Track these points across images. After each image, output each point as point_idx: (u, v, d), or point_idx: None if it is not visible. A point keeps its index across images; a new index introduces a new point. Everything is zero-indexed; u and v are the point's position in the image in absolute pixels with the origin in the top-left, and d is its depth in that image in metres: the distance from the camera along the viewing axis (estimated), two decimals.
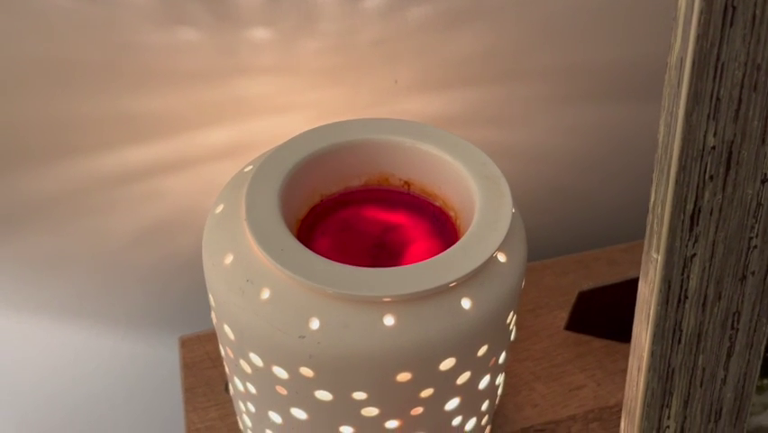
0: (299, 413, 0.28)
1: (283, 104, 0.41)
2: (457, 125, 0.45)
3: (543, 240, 0.51)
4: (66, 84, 0.37)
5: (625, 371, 0.42)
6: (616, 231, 0.54)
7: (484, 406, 0.31)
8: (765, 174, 0.25)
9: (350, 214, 0.32)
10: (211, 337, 0.43)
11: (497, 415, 0.39)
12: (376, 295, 0.25)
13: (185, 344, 0.43)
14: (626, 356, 0.43)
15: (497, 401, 0.33)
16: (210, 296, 0.29)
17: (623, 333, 0.43)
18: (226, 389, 0.40)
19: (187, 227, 0.45)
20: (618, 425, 0.39)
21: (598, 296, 0.40)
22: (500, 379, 0.32)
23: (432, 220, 0.32)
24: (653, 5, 0.44)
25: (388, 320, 0.25)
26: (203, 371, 0.42)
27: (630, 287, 0.40)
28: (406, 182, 0.33)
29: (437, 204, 0.32)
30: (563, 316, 0.44)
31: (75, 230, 0.43)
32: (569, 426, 0.39)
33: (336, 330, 0.25)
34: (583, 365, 0.42)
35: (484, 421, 0.32)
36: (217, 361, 0.42)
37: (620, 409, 0.40)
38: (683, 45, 0.23)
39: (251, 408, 0.30)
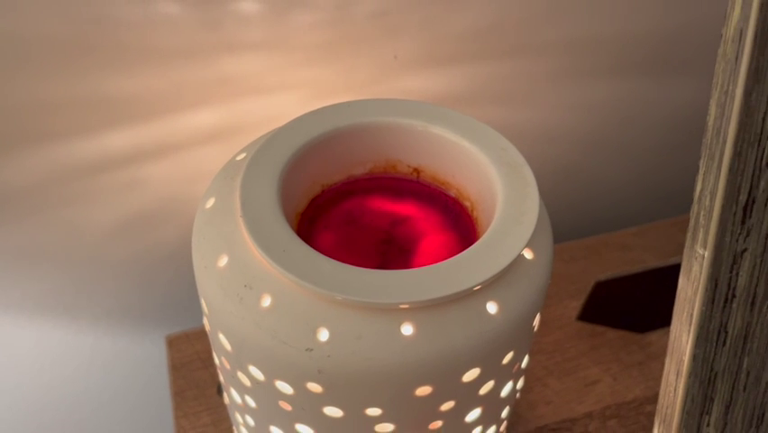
0: (305, 430, 0.25)
1: (274, 83, 0.38)
2: (460, 103, 0.42)
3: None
4: (32, 63, 0.34)
5: (641, 363, 0.40)
6: (623, 211, 0.51)
7: (504, 413, 0.29)
8: None
9: (354, 205, 0.29)
10: (200, 336, 0.40)
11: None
12: (393, 302, 0.22)
13: (172, 343, 0.40)
14: (642, 347, 0.40)
15: (514, 403, 0.31)
16: (202, 301, 0.26)
17: (639, 323, 0.41)
18: (219, 391, 0.38)
19: (169, 217, 0.42)
20: (638, 422, 0.37)
21: (616, 286, 0.38)
22: (521, 383, 0.29)
23: (444, 211, 0.29)
24: None
25: (407, 329, 0.22)
26: (192, 372, 0.39)
27: (650, 278, 0.38)
28: (415, 169, 0.30)
29: (451, 193, 0.29)
30: (575, 305, 0.42)
31: (48, 222, 0.39)
32: (585, 424, 0.37)
33: (348, 342, 0.22)
34: (598, 358, 0.40)
35: (503, 427, 0.30)
36: (208, 361, 0.39)
37: (639, 405, 0.38)
38: (744, 14, 0.20)
39: (250, 421, 0.28)
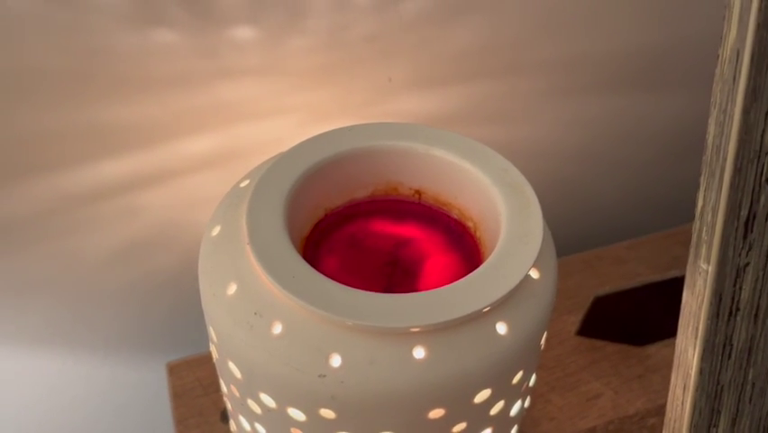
0: None
1: (270, 107, 0.38)
2: (455, 123, 0.42)
3: None
4: (30, 94, 0.34)
5: (641, 376, 0.40)
6: (619, 225, 0.52)
7: (513, 431, 0.29)
8: None
9: (357, 228, 0.30)
10: (201, 362, 0.40)
11: None
12: (404, 325, 0.22)
13: (173, 370, 0.40)
14: (641, 360, 0.41)
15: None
16: (210, 330, 0.26)
17: (638, 337, 0.41)
18: (222, 419, 0.37)
19: (168, 244, 0.42)
20: None
21: (615, 301, 0.38)
22: (528, 402, 0.29)
23: (447, 232, 0.29)
24: None
25: (419, 353, 0.23)
26: (194, 399, 0.38)
27: (648, 291, 0.38)
28: (416, 191, 0.30)
29: (453, 214, 0.29)
30: (573, 320, 0.42)
31: (46, 251, 0.39)
32: None
33: (361, 367, 0.22)
34: (598, 373, 0.40)
35: None
36: (209, 388, 0.39)
37: (641, 419, 0.38)
38: (740, 35, 0.21)
39: None
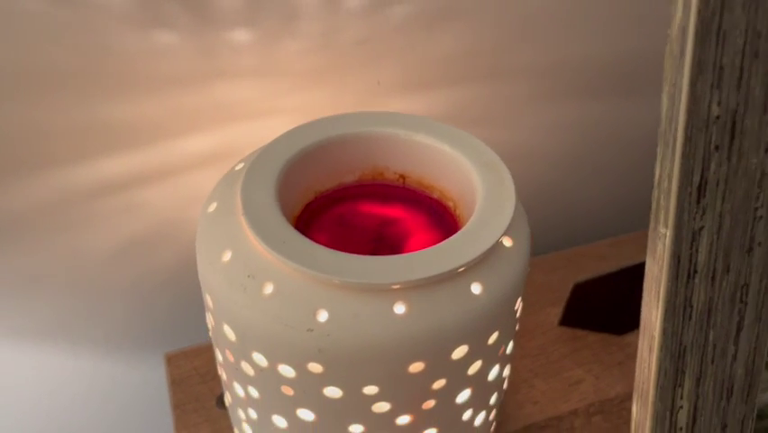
0: (306, 414, 0.27)
1: (265, 108, 0.40)
2: None
3: None
4: (37, 92, 0.36)
5: (621, 363, 0.42)
6: (601, 227, 0.54)
7: (492, 399, 0.30)
8: None
9: (345, 209, 0.32)
10: (198, 353, 0.42)
11: (498, 414, 0.38)
12: (385, 282, 0.24)
13: (171, 360, 0.41)
14: (622, 348, 0.42)
15: (503, 396, 0.32)
16: (207, 297, 0.28)
17: (618, 325, 0.43)
18: (218, 403, 0.39)
19: (168, 241, 0.43)
20: (621, 417, 0.39)
21: (594, 287, 0.40)
22: (507, 371, 0.31)
23: (429, 212, 0.31)
24: (631, 3, 0.44)
25: (399, 308, 0.24)
26: (192, 387, 0.40)
27: (626, 276, 0.40)
28: (401, 176, 0.32)
29: (434, 195, 0.31)
30: (556, 312, 0.44)
31: (48, 248, 0.41)
32: (571, 421, 0.39)
33: (346, 321, 0.24)
34: (580, 360, 0.42)
35: (492, 416, 0.32)
36: (206, 376, 0.40)
37: (621, 402, 0.40)
38: (685, 15, 0.23)
39: (253, 414, 0.29)
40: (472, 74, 0.44)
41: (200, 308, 0.40)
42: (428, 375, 0.26)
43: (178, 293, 0.45)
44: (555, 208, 0.52)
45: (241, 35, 0.37)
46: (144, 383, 0.47)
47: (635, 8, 0.44)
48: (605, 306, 0.41)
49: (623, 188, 0.53)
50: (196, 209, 0.42)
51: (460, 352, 0.26)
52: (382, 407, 0.26)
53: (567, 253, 0.48)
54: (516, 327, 0.30)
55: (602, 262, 0.48)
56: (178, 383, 0.40)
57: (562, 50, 0.45)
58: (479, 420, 0.30)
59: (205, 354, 0.41)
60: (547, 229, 0.52)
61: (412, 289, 0.25)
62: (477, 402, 0.29)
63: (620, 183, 0.53)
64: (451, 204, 0.31)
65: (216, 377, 0.40)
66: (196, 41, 0.37)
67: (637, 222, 0.54)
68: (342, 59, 0.40)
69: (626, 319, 0.42)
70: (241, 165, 0.30)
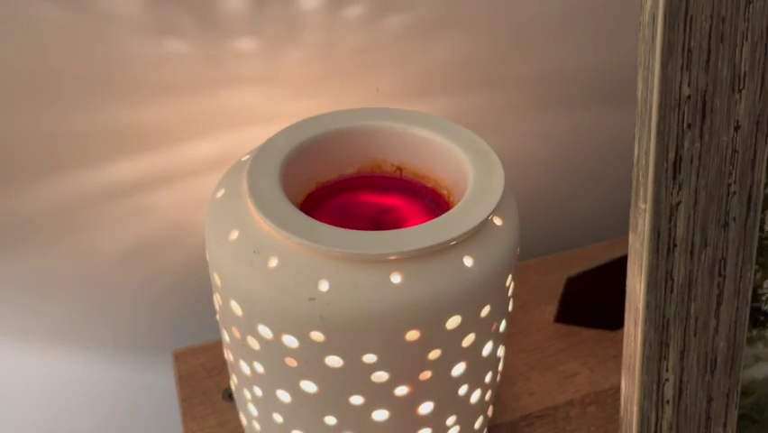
0: (309, 386, 0.28)
1: (269, 114, 0.42)
2: None
3: (522, 246, 0.53)
4: (51, 97, 0.37)
5: (615, 356, 0.43)
6: (594, 234, 0.55)
7: (488, 378, 0.32)
8: (737, 121, 0.27)
9: (345, 199, 0.33)
10: (204, 350, 0.43)
11: (494, 405, 0.39)
12: (382, 253, 0.26)
13: (178, 357, 0.43)
14: (616, 343, 0.44)
15: (498, 378, 0.34)
16: (215, 276, 0.29)
17: (612, 320, 0.44)
18: (224, 397, 0.40)
19: (175, 244, 0.45)
20: (616, 407, 0.40)
21: (587, 280, 0.42)
22: (501, 351, 0.32)
23: (425, 201, 0.33)
24: (623, 13, 0.46)
25: (396, 278, 0.26)
26: (199, 381, 0.41)
27: (618, 266, 0.41)
28: (398, 167, 0.34)
29: (429, 185, 0.33)
30: (552, 310, 0.45)
31: (58, 251, 0.42)
32: (567, 411, 0.40)
33: (346, 290, 0.26)
34: (575, 354, 0.43)
35: (488, 397, 0.33)
36: (213, 371, 0.42)
37: (615, 392, 0.41)
38: (654, 2, 0.25)
39: (258, 391, 0.30)
40: (468, 82, 0.46)
41: (207, 309, 0.41)
42: (424, 344, 0.27)
43: (186, 295, 0.47)
44: (548, 215, 0.54)
45: (246, 44, 0.40)
46: (152, 384, 0.48)
47: (626, 19, 0.46)
48: (598, 300, 0.43)
49: (616, 196, 0.55)
50: (203, 213, 0.44)
51: (453, 322, 0.27)
52: (381, 376, 0.28)
53: (562, 255, 0.50)
54: (510, 308, 0.32)
55: (596, 263, 0.49)
56: (185, 378, 0.41)
57: (556, 60, 0.47)
58: (474, 398, 0.31)
59: (211, 350, 0.43)
60: (540, 236, 0.54)
61: (408, 260, 0.26)
62: (472, 378, 0.30)
63: (613, 191, 0.55)
64: (445, 192, 0.33)
65: (223, 372, 0.42)
66: (203, 50, 0.39)
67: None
68: (342, 67, 0.42)
69: (620, 314, 0.43)
70: (247, 157, 0.32)
